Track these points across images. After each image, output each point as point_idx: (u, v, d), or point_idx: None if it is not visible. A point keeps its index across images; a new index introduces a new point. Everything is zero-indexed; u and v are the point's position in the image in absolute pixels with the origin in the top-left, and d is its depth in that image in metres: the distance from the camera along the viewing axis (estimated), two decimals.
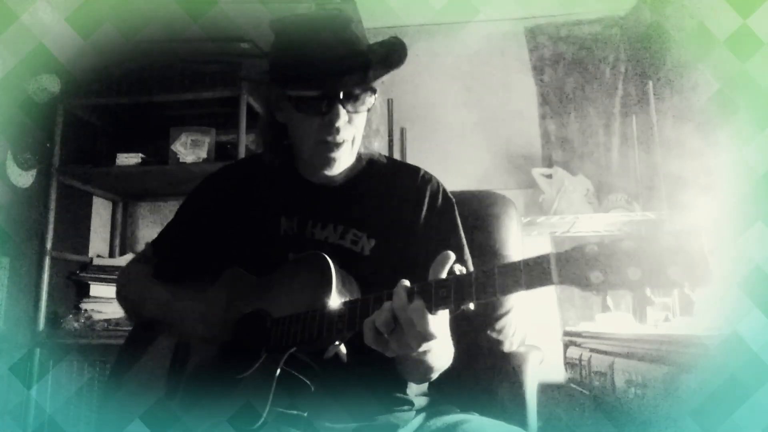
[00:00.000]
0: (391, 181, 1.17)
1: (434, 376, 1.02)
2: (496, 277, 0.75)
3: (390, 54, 1.05)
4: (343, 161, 1.10)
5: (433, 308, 0.78)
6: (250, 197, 1.18)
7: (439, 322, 0.81)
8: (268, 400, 0.90)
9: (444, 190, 1.17)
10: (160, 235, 1.27)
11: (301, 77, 1.02)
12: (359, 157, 1.17)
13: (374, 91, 1.06)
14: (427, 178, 1.17)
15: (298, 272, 1.02)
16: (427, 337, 0.78)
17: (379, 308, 0.82)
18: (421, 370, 0.98)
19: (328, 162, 1.08)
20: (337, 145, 1.06)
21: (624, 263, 0.67)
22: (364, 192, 1.15)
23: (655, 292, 0.69)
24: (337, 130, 1.03)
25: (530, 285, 0.72)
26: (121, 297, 1.24)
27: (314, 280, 0.95)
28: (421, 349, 0.82)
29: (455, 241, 1.12)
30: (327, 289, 0.92)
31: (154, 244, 1.27)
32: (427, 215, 1.13)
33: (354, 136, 1.08)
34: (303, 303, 0.94)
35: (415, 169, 1.19)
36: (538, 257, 0.72)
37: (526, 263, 0.73)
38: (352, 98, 1.04)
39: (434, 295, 0.78)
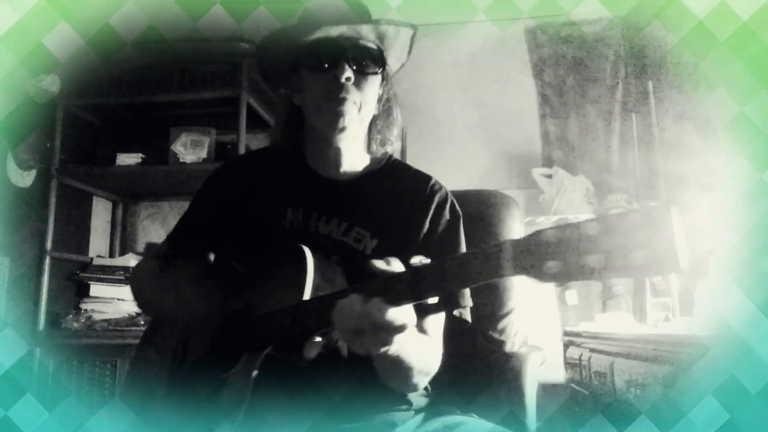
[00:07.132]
0: (400, 185, 1.16)
1: (419, 379, 0.99)
2: (447, 269, 0.74)
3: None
4: (349, 123, 1.08)
5: (390, 303, 0.77)
6: (260, 187, 1.17)
7: (405, 312, 0.78)
8: (244, 402, 0.89)
9: (452, 202, 1.15)
10: (175, 229, 1.26)
11: (313, 22, 1.07)
12: (372, 157, 1.18)
13: (382, 56, 1.11)
14: (437, 188, 1.16)
15: (279, 266, 1.00)
16: (391, 328, 0.76)
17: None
18: (401, 370, 0.94)
19: (334, 118, 1.07)
20: (342, 100, 1.06)
21: (585, 250, 0.60)
22: (372, 192, 1.14)
23: (621, 280, 0.67)
24: (342, 87, 1.05)
25: (484, 277, 0.69)
26: (138, 298, 1.24)
27: (292, 274, 0.93)
28: (394, 346, 0.80)
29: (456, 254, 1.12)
30: (302, 284, 0.91)
31: (169, 239, 1.25)
32: (431, 224, 1.11)
33: (361, 103, 1.09)
34: (281, 298, 0.92)
35: (427, 178, 1.18)
36: (492, 246, 0.68)
37: (478, 253, 0.70)
38: (357, 58, 1.07)
39: (389, 290, 0.77)
